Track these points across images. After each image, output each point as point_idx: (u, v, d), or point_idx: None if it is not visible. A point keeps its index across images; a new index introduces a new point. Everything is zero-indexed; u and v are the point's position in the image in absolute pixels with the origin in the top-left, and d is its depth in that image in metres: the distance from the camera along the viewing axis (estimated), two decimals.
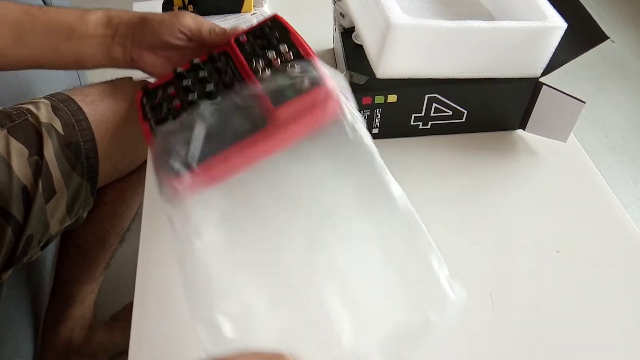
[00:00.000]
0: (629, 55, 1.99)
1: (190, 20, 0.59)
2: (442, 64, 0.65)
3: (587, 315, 0.56)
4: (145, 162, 0.87)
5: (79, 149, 0.71)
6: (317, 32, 0.89)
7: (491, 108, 0.72)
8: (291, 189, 0.51)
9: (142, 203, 0.67)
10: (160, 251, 0.61)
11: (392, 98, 0.68)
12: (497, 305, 0.53)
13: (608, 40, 0.65)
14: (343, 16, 0.77)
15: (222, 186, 0.50)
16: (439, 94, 0.69)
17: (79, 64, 0.62)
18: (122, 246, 0.97)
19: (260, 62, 0.56)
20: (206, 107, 0.51)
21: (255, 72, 0.55)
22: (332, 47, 0.88)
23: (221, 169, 0.49)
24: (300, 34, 0.57)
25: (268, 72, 0.54)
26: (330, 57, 0.87)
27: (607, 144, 1.69)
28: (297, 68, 0.52)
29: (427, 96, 0.68)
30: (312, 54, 0.55)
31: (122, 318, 1.10)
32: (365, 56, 0.66)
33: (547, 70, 0.68)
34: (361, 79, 0.67)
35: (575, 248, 0.62)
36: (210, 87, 0.56)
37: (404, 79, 0.65)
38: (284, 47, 0.55)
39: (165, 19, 0.58)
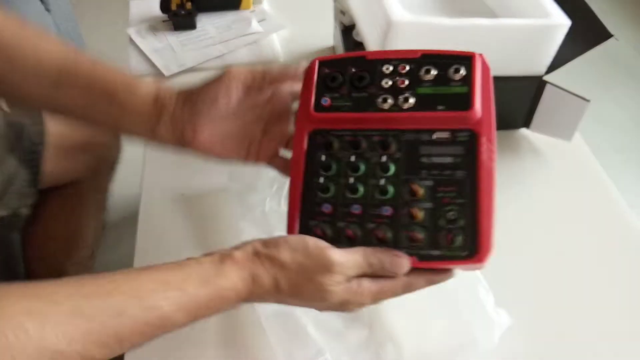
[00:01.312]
0: (633, 53, 1.98)
1: (242, 68, 0.49)
2: None
3: (591, 316, 0.55)
4: (106, 182, 0.83)
5: (22, 130, 0.65)
6: (317, 29, 0.88)
7: (494, 107, 0.71)
8: None
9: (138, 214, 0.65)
10: (156, 257, 0.60)
11: None
12: (500, 305, 0.52)
13: (612, 38, 0.64)
14: (343, 13, 0.76)
15: None
16: None
17: (117, 130, 0.53)
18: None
19: (392, 96, 0.45)
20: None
21: (398, 108, 0.45)
22: (332, 44, 0.87)
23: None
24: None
25: (413, 98, 0.45)
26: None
27: (612, 143, 1.68)
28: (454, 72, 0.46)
29: None
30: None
31: None
32: None
33: (550, 69, 0.67)
34: None
35: (579, 248, 0.61)
36: (377, 158, 0.44)
37: None
38: (428, 68, 0.46)
39: (216, 76, 0.48)
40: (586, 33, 0.66)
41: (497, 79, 0.67)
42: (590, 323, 0.55)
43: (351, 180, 0.44)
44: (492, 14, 0.74)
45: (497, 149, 0.44)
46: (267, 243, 0.43)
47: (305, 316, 0.51)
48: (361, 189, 0.43)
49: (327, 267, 0.41)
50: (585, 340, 0.54)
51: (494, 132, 0.44)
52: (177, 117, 0.48)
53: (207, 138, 0.48)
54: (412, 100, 0.44)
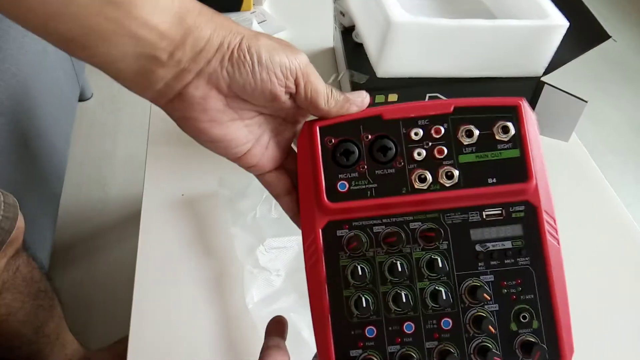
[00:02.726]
0: (630, 54, 1.98)
1: (311, 69, 0.37)
2: (443, 62, 0.64)
3: (588, 316, 0.56)
4: None
5: None
6: (317, 30, 0.89)
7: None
8: None
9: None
10: (158, 258, 0.61)
11: (392, 97, 0.67)
12: None
13: (610, 39, 0.64)
14: (343, 15, 0.77)
15: None
16: (440, 93, 0.68)
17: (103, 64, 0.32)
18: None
19: (429, 171, 0.35)
20: None
21: (440, 187, 0.35)
22: (332, 45, 0.87)
23: None
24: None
25: (456, 171, 0.35)
26: (330, 56, 0.86)
27: (609, 143, 1.68)
28: None
29: (428, 95, 0.68)
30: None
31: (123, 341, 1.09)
32: (366, 55, 0.66)
33: (548, 70, 0.67)
34: (361, 78, 0.67)
35: (577, 248, 0.61)
36: (420, 252, 0.35)
37: (405, 78, 0.64)
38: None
39: (279, 48, 0.35)
40: (584, 34, 0.66)
41: (494, 79, 0.67)
42: (584, 321, 0.55)
43: (392, 288, 0.35)
44: (490, 15, 0.74)
45: None
46: None
47: (300, 321, 0.51)
48: (409, 297, 0.34)
49: None
50: (579, 339, 0.54)
51: (552, 201, 0.36)
52: (200, 65, 0.33)
53: (205, 117, 0.35)
54: (456, 174, 0.35)
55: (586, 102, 0.65)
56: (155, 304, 0.56)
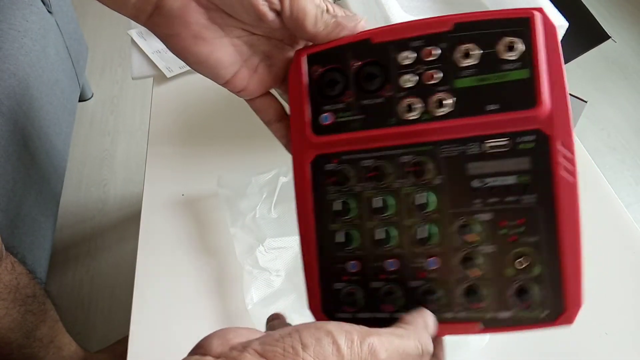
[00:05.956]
0: (630, 54, 1.98)
1: None
2: None
3: (586, 317, 0.56)
4: None
5: None
6: None
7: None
8: None
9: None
10: (158, 258, 0.61)
11: None
12: None
13: (609, 39, 0.64)
14: None
15: None
16: None
17: None
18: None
19: (420, 99, 0.31)
20: None
21: (430, 116, 0.31)
22: None
23: None
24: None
25: (450, 98, 0.31)
26: None
27: (608, 143, 1.68)
28: None
29: None
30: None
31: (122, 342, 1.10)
32: None
33: None
34: None
35: None
36: (410, 187, 0.32)
37: None
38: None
39: None
40: (584, 34, 0.66)
41: None
42: (581, 320, 0.55)
43: (378, 224, 0.33)
44: None
45: None
46: (269, 350, 0.27)
47: (301, 322, 0.51)
48: (394, 234, 0.32)
49: None
50: (576, 337, 0.54)
51: (572, 130, 0.30)
52: None
53: (188, 32, 0.32)
54: (449, 102, 0.31)
55: (586, 102, 0.65)
56: (155, 305, 0.56)
